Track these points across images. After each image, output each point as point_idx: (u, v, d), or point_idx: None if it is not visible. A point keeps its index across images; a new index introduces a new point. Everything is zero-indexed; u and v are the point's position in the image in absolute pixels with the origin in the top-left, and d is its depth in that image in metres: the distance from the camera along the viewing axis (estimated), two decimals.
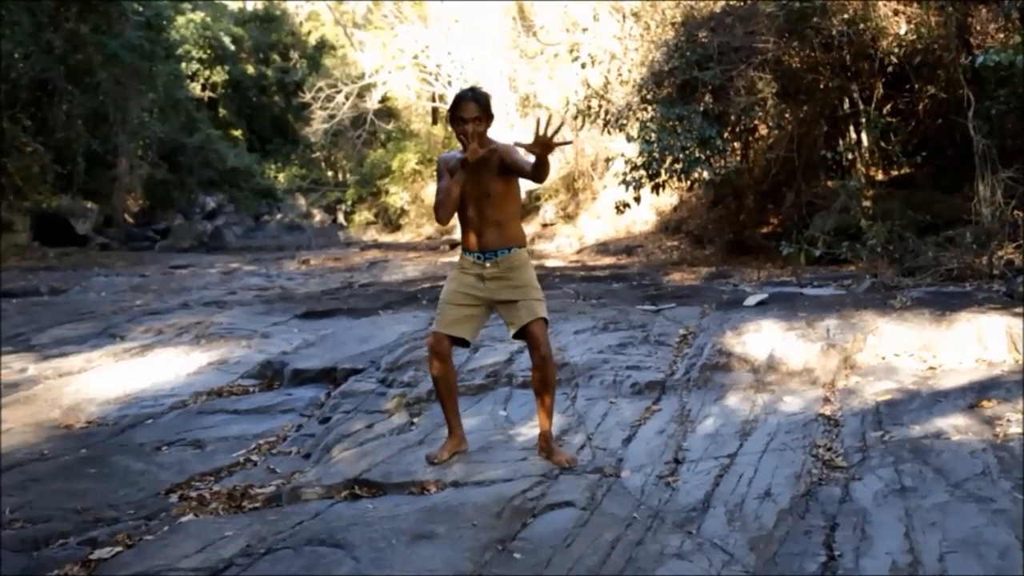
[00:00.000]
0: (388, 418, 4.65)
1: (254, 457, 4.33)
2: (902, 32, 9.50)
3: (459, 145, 3.64)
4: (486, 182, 3.65)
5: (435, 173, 3.68)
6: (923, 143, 10.24)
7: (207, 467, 4.17)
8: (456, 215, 3.76)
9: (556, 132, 3.38)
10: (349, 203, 27.97)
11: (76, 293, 11.09)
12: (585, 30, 15.16)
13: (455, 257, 4.09)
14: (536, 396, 3.78)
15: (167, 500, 3.73)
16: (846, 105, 10.79)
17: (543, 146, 3.37)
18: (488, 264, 3.71)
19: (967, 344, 5.28)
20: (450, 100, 3.72)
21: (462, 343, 3.80)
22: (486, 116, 3.58)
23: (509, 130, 19.02)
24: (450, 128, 3.71)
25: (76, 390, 5.59)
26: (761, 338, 5.62)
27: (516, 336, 3.75)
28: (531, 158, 3.48)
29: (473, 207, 3.70)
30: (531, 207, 18.59)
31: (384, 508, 3.29)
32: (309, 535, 3.05)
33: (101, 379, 5.86)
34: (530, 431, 4.13)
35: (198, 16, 28.70)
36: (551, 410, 3.80)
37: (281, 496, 3.60)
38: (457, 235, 20.86)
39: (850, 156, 10.65)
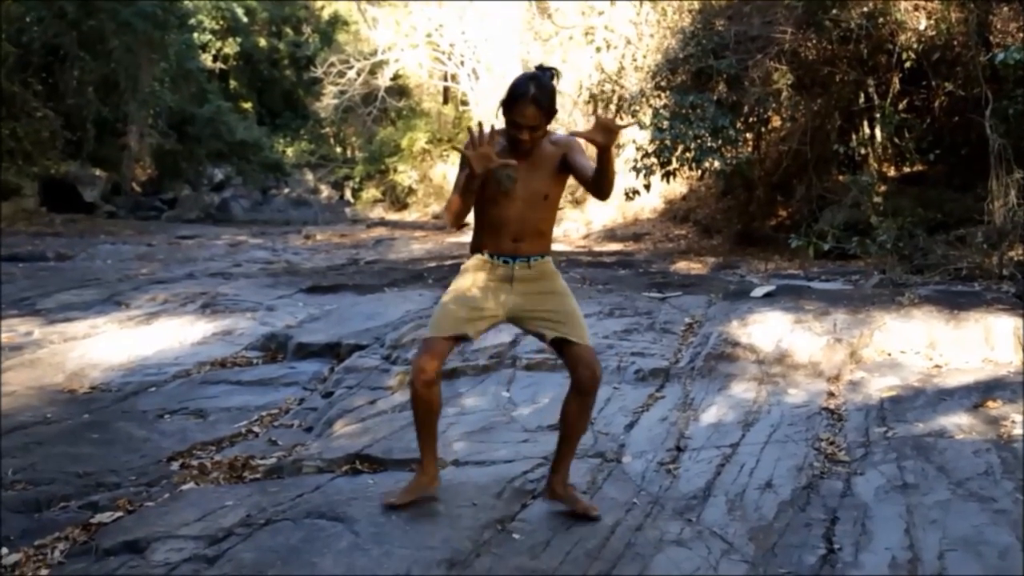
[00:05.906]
0: (391, 395, 4.65)
1: (256, 428, 4.34)
2: (921, 27, 9.42)
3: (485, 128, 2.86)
4: (545, 181, 2.97)
5: (457, 160, 2.95)
6: (938, 140, 10.17)
7: (209, 436, 4.18)
8: (476, 213, 3.05)
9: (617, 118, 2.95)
10: (357, 180, 27.88)
11: (82, 260, 11.12)
12: (601, 14, 15.04)
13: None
14: (567, 429, 3.05)
15: (168, 468, 3.74)
16: (861, 99, 10.70)
17: (607, 131, 2.71)
18: (518, 266, 3.01)
19: (974, 344, 5.26)
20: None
21: (463, 338, 3.06)
22: (547, 117, 2.86)
23: None
24: (501, 117, 2.93)
25: (80, 355, 5.60)
26: (767, 329, 5.60)
27: (553, 343, 3.02)
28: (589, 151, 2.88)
29: (519, 208, 2.96)
30: None
31: (385, 484, 3.29)
32: (309, 508, 3.05)
33: (106, 345, 5.86)
34: (532, 412, 4.12)
35: None
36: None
37: (282, 468, 3.61)
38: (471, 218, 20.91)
39: (863, 151, 10.57)
